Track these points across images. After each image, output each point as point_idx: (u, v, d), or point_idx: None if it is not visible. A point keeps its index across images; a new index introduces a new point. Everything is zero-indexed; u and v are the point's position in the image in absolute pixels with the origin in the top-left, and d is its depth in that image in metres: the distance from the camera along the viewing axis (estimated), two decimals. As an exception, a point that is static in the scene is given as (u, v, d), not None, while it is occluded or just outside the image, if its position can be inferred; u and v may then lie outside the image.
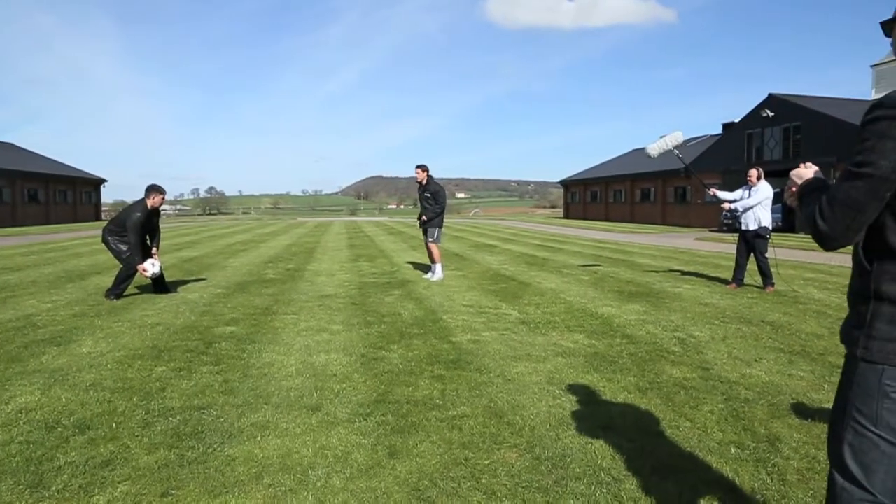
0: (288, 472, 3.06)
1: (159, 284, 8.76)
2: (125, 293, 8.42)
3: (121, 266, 8.38)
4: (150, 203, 8.33)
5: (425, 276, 10.81)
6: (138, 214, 8.19)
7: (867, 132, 1.63)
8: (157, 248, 8.69)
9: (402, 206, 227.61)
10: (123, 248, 8.28)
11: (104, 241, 8.49)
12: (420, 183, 10.58)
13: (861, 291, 1.70)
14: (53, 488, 2.88)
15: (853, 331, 1.71)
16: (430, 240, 10.55)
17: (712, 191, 9.83)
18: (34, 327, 6.47)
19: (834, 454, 1.75)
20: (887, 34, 1.84)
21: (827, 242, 1.65)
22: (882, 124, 1.59)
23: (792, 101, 30.95)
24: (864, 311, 1.67)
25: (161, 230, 9.06)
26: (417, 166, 10.55)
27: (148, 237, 8.59)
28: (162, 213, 9.36)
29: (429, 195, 10.49)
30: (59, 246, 19.33)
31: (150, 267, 8.40)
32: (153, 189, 8.45)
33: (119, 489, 2.88)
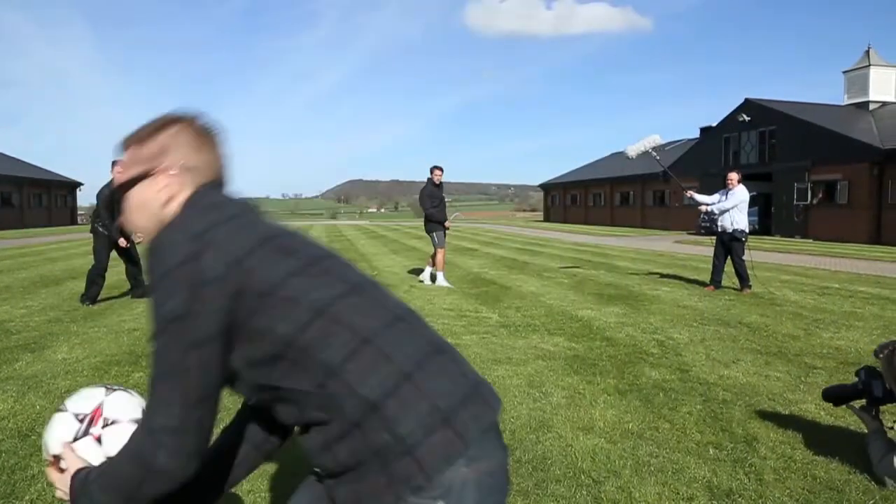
0: (268, 478, 3.04)
1: (137, 286, 8.60)
2: (101, 298, 8.30)
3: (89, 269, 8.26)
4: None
5: (447, 284, 10.32)
6: (107, 191, 7.96)
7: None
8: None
9: (382, 210, 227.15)
10: (101, 230, 8.24)
11: (92, 231, 8.48)
12: (438, 184, 10.41)
13: None
14: (27, 498, 2.83)
15: None
16: (443, 246, 10.46)
17: (689, 193, 9.95)
18: (7, 333, 6.35)
19: None
20: None
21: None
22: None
23: (768, 105, 31.45)
24: None
25: None
26: (437, 167, 10.35)
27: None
28: None
29: (444, 196, 10.49)
30: (34, 250, 19.00)
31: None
32: (116, 164, 8.27)
33: (95, 497, 2.83)
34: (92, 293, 8.17)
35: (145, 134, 1.31)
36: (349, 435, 1.12)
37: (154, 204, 1.29)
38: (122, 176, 1.33)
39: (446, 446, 1.10)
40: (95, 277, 8.21)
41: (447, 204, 11.03)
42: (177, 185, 1.28)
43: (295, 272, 1.18)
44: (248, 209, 1.29)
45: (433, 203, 10.35)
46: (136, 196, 1.31)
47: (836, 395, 3.40)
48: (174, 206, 1.27)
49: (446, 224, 10.45)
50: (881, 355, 3.16)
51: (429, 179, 10.41)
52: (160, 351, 1.15)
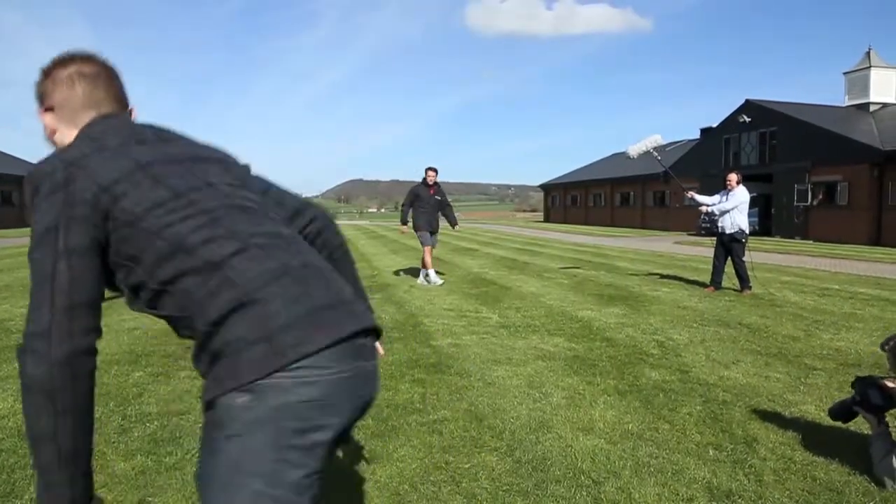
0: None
1: None
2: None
3: None
4: None
5: (439, 283, 10.35)
6: None
7: None
8: None
9: (382, 210, 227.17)
10: None
11: None
12: (430, 185, 10.35)
13: None
14: (26, 496, 2.83)
15: None
16: (435, 245, 10.45)
17: (690, 194, 9.95)
18: (7, 332, 6.35)
19: None
20: None
21: None
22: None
23: (768, 106, 31.45)
24: None
25: None
26: (431, 168, 10.32)
27: None
28: None
29: (440, 198, 10.37)
30: (34, 249, 19.00)
31: None
32: None
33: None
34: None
35: (39, 80, 1.50)
36: (202, 349, 1.31)
37: (48, 137, 1.51)
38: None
39: (262, 360, 1.22)
40: None
41: (452, 206, 10.93)
42: (56, 120, 1.48)
43: (160, 203, 1.30)
44: (132, 138, 1.41)
45: (421, 206, 10.35)
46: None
47: (842, 413, 3.35)
48: (65, 139, 1.46)
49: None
50: (887, 347, 3.18)
51: (423, 180, 10.43)
52: (34, 263, 1.27)
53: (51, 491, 1.26)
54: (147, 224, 1.28)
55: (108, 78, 1.53)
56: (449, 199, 10.70)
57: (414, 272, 11.69)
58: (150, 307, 1.36)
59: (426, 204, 10.37)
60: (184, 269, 1.28)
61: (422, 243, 10.45)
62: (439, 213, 10.56)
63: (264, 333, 1.24)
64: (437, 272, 10.65)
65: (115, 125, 1.44)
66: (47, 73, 1.49)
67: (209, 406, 1.29)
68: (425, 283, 10.38)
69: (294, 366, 1.22)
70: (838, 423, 3.46)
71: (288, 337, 1.24)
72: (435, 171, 10.42)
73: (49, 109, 1.48)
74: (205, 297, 1.27)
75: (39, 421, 1.25)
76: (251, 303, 1.26)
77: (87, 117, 1.46)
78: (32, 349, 1.23)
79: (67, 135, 1.45)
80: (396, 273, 12.23)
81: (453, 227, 11.06)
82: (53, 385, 1.23)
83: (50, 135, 1.50)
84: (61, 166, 1.30)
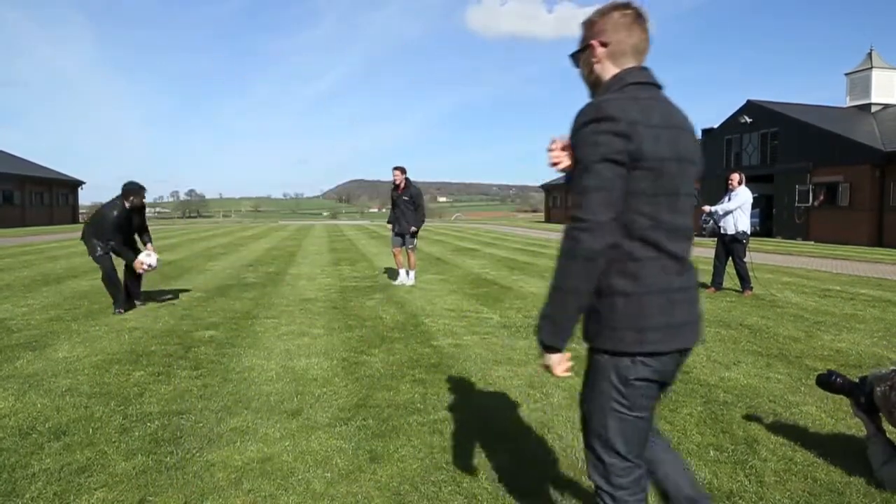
0: (268, 478, 3.04)
1: (133, 288, 8.08)
2: (103, 296, 8.23)
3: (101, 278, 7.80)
4: (128, 203, 7.73)
5: (396, 283, 10.42)
6: (115, 214, 7.62)
7: None
8: (151, 243, 8.19)
9: (383, 210, 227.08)
10: (98, 250, 7.68)
11: (83, 238, 7.88)
12: (397, 185, 10.19)
13: None
14: (27, 496, 2.83)
15: None
16: (411, 247, 10.28)
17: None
18: (9, 331, 6.36)
19: None
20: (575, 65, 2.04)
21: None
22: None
23: (769, 107, 31.39)
24: None
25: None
26: (395, 168, 10.17)
27: (137, 237, 8.11)
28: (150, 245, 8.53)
29: (407, 199, 10.11)
30: (36, 249, 19.03)
31: (147, 258, 7.81)
32: (130, 192, 7.77)
33: (95, 496, 2.84)
34: (119, 299, 7.63)
35: (592, 17, 1.93)
36: None
37: (586, 68, 1.97)
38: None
39: None
40: (112, 284, 7.69)
41: (422, 206, 10.39)
42: (599, 55, 1.91)
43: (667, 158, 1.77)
44: (652, 95, 1.84)
45: (393, 206, 10.26)
46: (581, 60, 1.98)
47: (826, 385, 3.32)
48: (603, 75, 1.91)
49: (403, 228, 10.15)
50: (879, 389, 3.06)
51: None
52: (587, 168, 1.73)
53: (560, 330, 1.78)
54: (649, 164, 1.77)
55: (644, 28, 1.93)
56: (423, 200, 10.33)
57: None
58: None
59: (395, 205, 10.30)
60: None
61: (393, 245, 10.44)
62: (412, 214, 10.18)
63: None
64: (407, 272, 10.46)
65: (640, 76, 1.87)
66: (601, 13, 1.91)
67: None
68: (407, 282, 10.33)
69: None
70: (839, 425, 3.45)
71: None
72: (400, 170, 10.20)
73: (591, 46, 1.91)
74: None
75: (574, 280, 1.73)
76: None
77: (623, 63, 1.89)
78: (591, 230, 1.69)
79: (604, 72, 1.91)
80: (397, 273, 12.21)
81: (408, 230, 10.20)
82: (596, 259, 1.71)
83: (588, 67, 1.95)
84: (601, 106, 1.76)
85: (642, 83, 1.84)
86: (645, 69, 1.90)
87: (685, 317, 1.84)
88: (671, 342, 1.81)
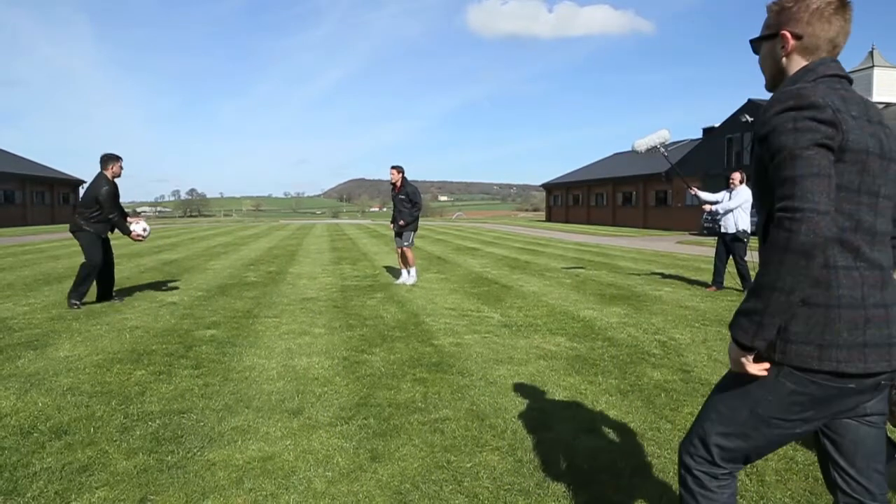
0: (269, 477, 3.04)
1: (106, 288, 8.15)
2: (91, 298, 8.26)
3: (79, 267, 7.89)
4: (110, 173, 7.83)
5: (398, 282, 10.44)
6: (106, 187, 7.68)
7: None
8: (128, 216, 8.26)
9: (384, 209, 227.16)
10: (100, 227, 7.82)
11: (75, 230, 7.91)
12: (394, 184, 10.21)
13: None
14: (29, 495, 2.83)
15: None
16: (406, 244, 10.25)
17: (694, 190, 9.92)
18: (10, 331, 6.36)
19: None
20: (755, 51, 1.88)
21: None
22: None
23: (770, 106, 31.35)
24: None
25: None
26: (392, 167, 10.17)
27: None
28: (142, 214, 8.91)
29: (403, 197, 10.12)
30: (37, 248, 19.04)
31: (138, 227, 8.08)
32: (109, 160, 7.86)
33: (97, 495, 2.84)
34: (80, 293, 7.73)
35: (785, 2, 1.74)
36: None
37: (771, 59, 1.79)
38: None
39: None
40: (87, 274, 7.77)
41: (417, 204, 10.31)
42: (789, 47, 1.73)
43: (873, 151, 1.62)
44: (846, 87, 1.67)
45: (393, 205, 10.32)
46: (764, 48, 1.80)
47: None
48: (789, 69, 1.74)
49: (397, 223, 10.22)
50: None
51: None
52: (797, 158, 1.53)
53: (762, 330, 1.58)
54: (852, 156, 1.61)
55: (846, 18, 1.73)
56: (420, 198, 10.27)
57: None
58: None
59: (393, 204, 10.35)
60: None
61: (412, 245, 10.44)
62: (408, 212, 10.16)
63: None
64: (408, 271, 10.46)
65: (829, 69, 1.70)
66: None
67: None
68: (407, 281, 10.35)
69: None
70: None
71: None
72: (396, 169, 10.19)
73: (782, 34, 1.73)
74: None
75: (786, 278, 1.51)
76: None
77: (815, 55, 1.72)
78: (810, 221, 1.48)
79: (792, 62, 1.75)
80: (398, 272, 12.22)
81: (395, 224, 10.24)
82: (813, 254, 1.49)
83: (776, 56, 1.77)
84: (795, 94, 1.60)
85: (836, 76, 1.66)
86: (836, 61, 1.71)
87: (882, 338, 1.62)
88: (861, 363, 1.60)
